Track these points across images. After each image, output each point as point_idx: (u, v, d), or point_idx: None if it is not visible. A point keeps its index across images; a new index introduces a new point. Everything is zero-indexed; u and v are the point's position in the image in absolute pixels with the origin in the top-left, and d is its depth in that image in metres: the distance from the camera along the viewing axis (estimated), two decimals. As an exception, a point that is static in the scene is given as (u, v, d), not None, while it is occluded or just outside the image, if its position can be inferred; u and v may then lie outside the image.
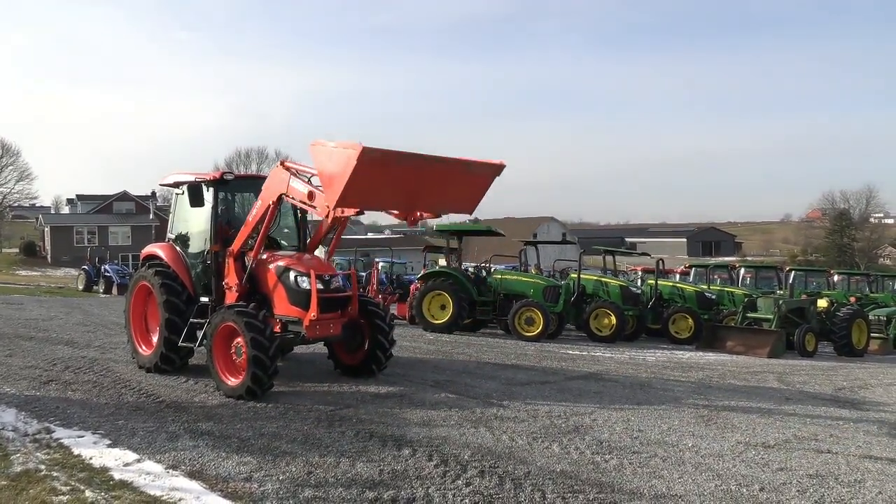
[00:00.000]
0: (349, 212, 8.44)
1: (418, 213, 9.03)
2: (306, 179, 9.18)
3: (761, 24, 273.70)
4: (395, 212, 9.05)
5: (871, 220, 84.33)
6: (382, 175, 8.02)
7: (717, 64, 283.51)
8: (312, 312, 9.15)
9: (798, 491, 6.09)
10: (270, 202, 9.35)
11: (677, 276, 29.05)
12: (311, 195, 8.85)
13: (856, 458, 7.24)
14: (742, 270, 28.39)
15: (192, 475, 5.94)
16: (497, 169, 8.91)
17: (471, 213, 9.11)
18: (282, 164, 9.53)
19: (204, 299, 10.01)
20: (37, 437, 6.97)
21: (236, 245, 9.70)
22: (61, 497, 5.38)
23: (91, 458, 6.30)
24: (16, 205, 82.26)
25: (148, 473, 5.96)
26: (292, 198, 9.20)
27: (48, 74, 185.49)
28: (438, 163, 8.35)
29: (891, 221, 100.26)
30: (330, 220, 8.78)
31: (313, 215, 10.70)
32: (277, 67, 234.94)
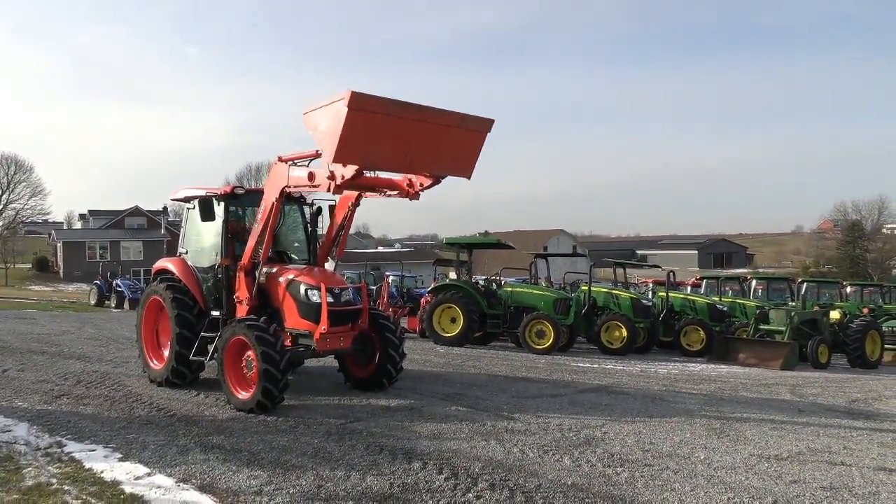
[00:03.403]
0: (349, 171, 8.27)
1: (418, 184, 8.96)
2: (305, 164, 9.19)
3: (771, 35, 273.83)
4: (396, 179, 9.00)
5: (884, 230, 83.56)
6: (376, 125, 7.89)
7: (727, 74, 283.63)
8: (323, 326, 9.17)
9: (812, 503, 6.03)
10: (273, 199, 9.37)
11: (688, 288, 28.93)
12: (311, 176, 8.84)
13: (870, 470, 7.16)
14: (754, 282, 28.22)
15: (202, 489, 5.94)
16: (488, 124, 8.93)
17: (468, 178, 9.07)
18: (279, 158, 9.51)
19: (215, 313, 10.05)
20: (48, 450, 7.00)
21: (246, 257, 9.74)
22: (73, 510, 5.40)
23: (102, 472, 6.32)
24: (28, 220, 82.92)
25: (159, 487, 5.97)
26: (295, 186, 9.20)
27: (59, 91, 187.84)
28: (432, 112, 8.29)
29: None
30: (332, 189, 8.62)
31: (322, 229, 10.79)
32: (286, 83, 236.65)
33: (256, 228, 9.64)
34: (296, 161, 9.34)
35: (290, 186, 9.25)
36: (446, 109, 8.44)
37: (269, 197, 9.49)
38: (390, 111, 7.89)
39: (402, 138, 8.14)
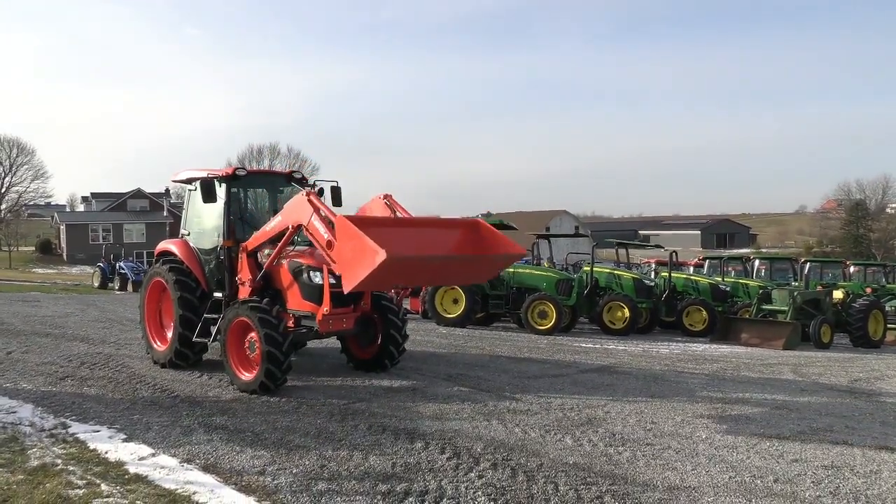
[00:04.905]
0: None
1: None
2: (329, 223, 8.60)
3: (773, 13, 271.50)
4: None
5: (888, 210, 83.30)
6: (404, 271, 8.13)
7: (730, 53, 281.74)
8: (325, 307, 9.16)
9: (813, 482, 6.05)
10: (290, 226, 9.05)
11: (691, 269, 28.83)
12: (329, 244, 8.37)
13: (872, 449, 7.18)
14: (756, 262, 28.16)
15: (206, 469, 5.98)
16: (518, 257, 8.98)
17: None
18: (308, 196, 8.98)
19: (217, 295, 10.05)
20: (53, 431, 7.04)
21: (251, 243, 9.69)
22: (77, 491, 5.44)
23: (106, 453, 6.36)
24: (31, 203, 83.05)
25: (163, 467, 6.02)
26: (311, 234, 8.79)
27: (60, 73, 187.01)
28: (464, 261, 8.47)
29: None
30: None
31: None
32: (287, 64, 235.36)
33: (267, 232, 9.45)
34: (323, 214, 8.76)
35: (307, 231, 8.87)
36: (481, 255, 8.63)
37: (286, 222, 9.13)
38: (425, 263, 8.23)
39: (427, 274, 8.56)
